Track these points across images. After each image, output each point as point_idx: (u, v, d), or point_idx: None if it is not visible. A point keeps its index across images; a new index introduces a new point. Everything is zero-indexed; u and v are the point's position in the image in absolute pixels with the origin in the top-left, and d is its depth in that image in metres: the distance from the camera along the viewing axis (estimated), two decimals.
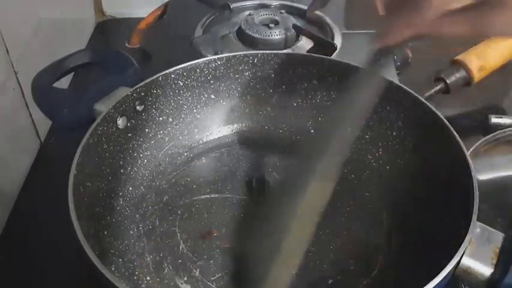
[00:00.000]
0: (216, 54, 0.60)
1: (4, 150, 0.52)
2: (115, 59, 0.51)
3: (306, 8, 0.71)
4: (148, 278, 0.41)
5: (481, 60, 0.59)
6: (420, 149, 0.46)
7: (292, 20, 0.66)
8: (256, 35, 0.63)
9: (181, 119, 0.52)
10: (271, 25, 0.64)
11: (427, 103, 0.45)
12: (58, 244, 0.46)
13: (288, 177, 0.50)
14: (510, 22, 0.28)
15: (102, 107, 0.45)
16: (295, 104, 0.54)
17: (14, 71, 0.53)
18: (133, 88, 0.46)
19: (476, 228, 0.35)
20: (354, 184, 0.49)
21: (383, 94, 0.48)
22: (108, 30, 0.81)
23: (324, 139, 0.40)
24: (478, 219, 0.35)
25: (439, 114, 0.44)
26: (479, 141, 0.54)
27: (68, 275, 0.45)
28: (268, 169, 0.51)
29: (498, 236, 0.36)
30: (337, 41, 0.65)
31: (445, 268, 0.32)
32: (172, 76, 0.49)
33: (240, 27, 0.65)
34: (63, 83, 0.55)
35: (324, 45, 0.62)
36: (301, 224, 0.46)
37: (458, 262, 0.34)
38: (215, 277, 0.42)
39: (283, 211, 0.47)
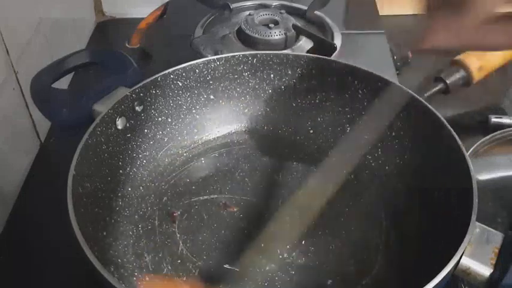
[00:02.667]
0: (216, 54, 0.60)
1: (4, 150, 0.52)
2: (114, 59, 0.51)
3: (306, 8, 0.70)
4: (147, 278, 0.41)
5: (481, 60, 0.59)
6: (419, 149, 0.46)
7: (292, 20, 0.66)
8: (256, 35, 0.63)
9: (181, 120, 0.52)
10: (271, 25, 0.64)
11: (427, 103, 0.45)
12: (58, 244, 0.46)
13: (288, 177, 0.50)
14: None
15: (102, 108, 0.45)
16: (294, 105, 0.54)
17: (14, 71, 0.53)
18: (133, 88, 0.46)
19: (476, 228, 0.35)
20: (354, 184, 0.49)
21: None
22: (108, 30, 0.81)
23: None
24: (478, 219, 0.35)
25: (439, 114, 0.43)
26: (479, 141, 0.54)
27: (67, 275, 0.45)
28: (268, 169, 0.51)
29: (498, 236, 0.36)
30: (337, 41, 0.65)
31: (445, 268, 0.32)
32: (172, 76, 0.49)
33: (240, 27, 0.65)
34: (63, 83, 0.55)
35: (323, 45, 0.62)
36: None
37: (458, 262, 0.33)
38: (215, 277, 0.42)
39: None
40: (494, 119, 0.60)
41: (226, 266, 0.42)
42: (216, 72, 0.51)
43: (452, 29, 0.28)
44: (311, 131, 0.54)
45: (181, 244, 0.44)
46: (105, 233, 0.42)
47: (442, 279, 0.32)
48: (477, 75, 0.60)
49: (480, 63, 0.59)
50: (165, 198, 0.48)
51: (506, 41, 0.27)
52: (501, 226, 0.46)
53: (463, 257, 0.34)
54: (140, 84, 0.47)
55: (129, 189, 0.47)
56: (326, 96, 0.52)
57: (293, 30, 0.64)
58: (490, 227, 0.36)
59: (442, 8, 0.28)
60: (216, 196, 0.48)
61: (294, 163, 0.52)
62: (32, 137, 0.59)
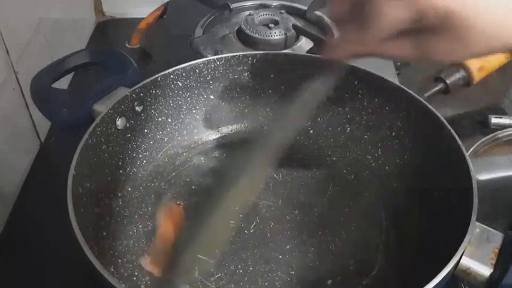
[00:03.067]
0: (216, 54, 0.60)
1: (4, 150, 0.52)
2: (114, 59, 0.51)
3: (306, 8, 0.70)
4: (147, 278, 0.41)
5: (481, 60, 0.59)
6: (419, 149, 0.46)
7: (292, 20, 0.66)
8: (256, 35, 0.63)
9: (180, 120, 0.52)
10: (271, 25, 0.64)
11: (427, 103, 0.45)
12: (58, 244, 0.46)
13: (288, 177, 0.50)
14: (450, 50, 0.30)
15: (101, 108, 0.45)
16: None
17: (14, 71, 0.53)
18: (133, 88, 0.46)
19: (476, 228, 0.35)
20: (353, 184, 0.49)
21: (383, 94, 0.49)
22: (108, 30, 0.81)
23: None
24: (478, 219, 0.35)
25: (439, 114, 0.43)
26: (479, 141, 0.54)
27: (67, 275, 0.45)
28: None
29: (498, 236, 0.36)
30: None
31: (445, 268, 0.32)
32: (172, 76, 0.49)
33: (240, 27, 0.65)
34: (63, 83, 0.55)
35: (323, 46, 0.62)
36: (301, 224, 0.46)
37: (458, 262, 0.33)
38: (214, 277, 0.42)
39: (283, 211, 0.47)
40: (494, 119, 0.60)
41: (226, 265, 0.42)
42: (216, 72, 0.51)
43: (359, 42, 0.33)
44: (311, 131, 0.54)
45: (181, 244, 0.44)
46: (105, 233, 0.42)
47: (442, 279, 0.32)
48: (477, 75, 0.59)
49: (480, 63, 0.59)
50: (165, 198, 0.48)
51: (408, 53, 0.32)
52: (501, 226, 0.45)
53: (463, 257, 0.34)
54: (140, 84, 0.47)
55: (129, 189, 0.47)
56: (326, 96, 0.52)
57: (293, 30, 0.64)
58: (490, 227, 0.36)
59: (351, 23, 0.32)
60: (216, 196, 0.48)
61: (294, 163, 0.52)
62: (32, 137, 0.59)
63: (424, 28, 0.30)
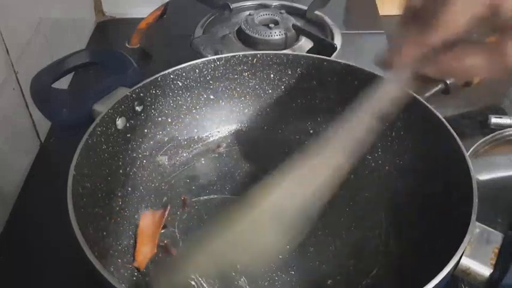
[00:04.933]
0: (216, 54, 0.60)
1: (4, 150, 0.52)
2: (114, 59, 0.51)
3: (306, 8, 0.71)
4: (147, 278, 0.41)
5: None
6: (419, 150, 0.46)
7: (292, 20, 0.66)
8: (256, 35, 0.63)
9: (180, 120, 0.52)
10: (271, 25, 0.64)
11: (427, 103, 0.45)
12: (58, 244, 0.46)
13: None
14: None
15: (101, 108, 0.45)
16: (294, 105, 0.53)
17: (14, 71, 0.53)
18: (133, 88, 0.46)
19: (476, 228, 0.35)
20: (354, 184, 0.49)
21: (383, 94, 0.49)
22: (108, 30, 0.81)
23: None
24: (478, 220, 0.35)
25: (439, 114, 0.43)
26: (479, 141, 0.54)
27: (67, 275, 0.45)
28: (268, 169, 0.51)
29: (497, 237, 0.36)
30: (337, 41, 0.65)
31: (445, 268, 0.32)
32: (172, 76, 0.49)
33: (240, 27, 0.65)
34: (63, 83, 0.55)
35: (324, 45, 0.62)
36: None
37: (458, 262, 0.33)
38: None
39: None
40: (494, 119, 0.60)
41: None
42: (216, 72, 0.51)
43: (420, 43, 0.28)
44: (311, 131, 0.54)
45: (181, 244, 0.44)
46: (105, 233, 0.42)
47: (442, 279, 0.32)
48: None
49: None
50: (165, 198, 0.48)
51: (475, 64, 0.27)
52: (501, 226, 0.46)
53: (463, 257, 0.34)
54: (140, 84, 0.47)
55: (129, 189, 0.47)
56: (326, 96, 0.52)
57: (293, 30, 0.64)
58: (490, 227, 0.36)
59: (412, 26, 0.28)
60: (216, 196, 0.48)
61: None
62: (32, 137, 0.59)
63: (501, 27, 0.25)
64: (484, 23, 0.26)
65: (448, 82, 0.60)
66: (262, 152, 0.53)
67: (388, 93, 0.33)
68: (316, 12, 0.70)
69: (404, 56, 0.29)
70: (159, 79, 0.48)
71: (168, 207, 0.46)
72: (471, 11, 0.25)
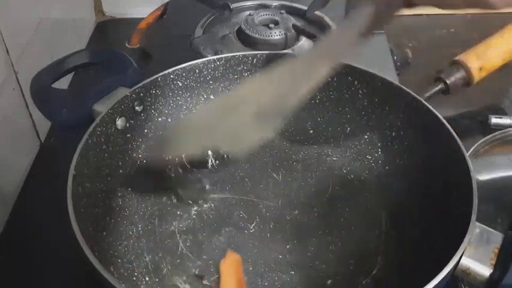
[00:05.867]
0: (216, 54, 0.60)
1: (4, 150, 0.52)
2: (114, 59, 0.51)
3: (306, 8, 0.70)
4: (147, 278, 0.41)
5: (481, 60, 0.59)
6: (419, 150, 0.46)
7: (292, 20, 0.66)
8: (256, 35, 0.63)
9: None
10: (271, 25, 0.64)
11: (427, 103, 0.45)
12: (58, 244, 0.46)
13: (288, 177, 0.50)
14: None
15: (101, 108, 0.45)
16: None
17: (14, 71, 0.53)
18: (133, 88, 0.46)
19: (476, 228, 0.35)
20: (353, 184, 0.49)
21: (383, 94, 0.49)
22: (108, 30, 0.81)
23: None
24: (478, 220, 0.35)
25: (439, 114, 0.43)
26: (479, 142, 0.54)
27: (67, 275, 0.45)
28: (268, 169, 0.51)
29: (497, 237, 0.36)
30: None
31: (445, 268, 0.32)
32: (171, 77, 0.49)
33: (240, 27, 0.65)
34: (63, 83, 0.55)
35: None
36: (301, 224, 0.46)
37: (458, 262, 0.33)
38: (214, 277, 0.42)
39: (283, 211, 0.47)
40: (494, 119, 0.60)
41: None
42: (216, 72, 0.51)
43: None
44: (311, 131, 0.54)
45: (181, 244, 0.44)
46: (105, 233, 0.42)
47: (442, 279, 0.32)
48: (477, 75, 0.59)
49: (480, 63, 0.59)
50: (164, 198, 0.48)
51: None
52: (501, 226, 0.46)
53: (463, 257, 0.34)
54: (140, 84, 0.47)
55: (129, 189, 0.47)
56: (326, 96, 0.52)
57: (293, 30, 0.64)
58: (490, 227, 0.36)
59: None
60: (216, 196, 0.48)
61: (294, 163, 0.52)
62: (32, 137, 0.59)
63: None
64: None
65: (448, 82, 0.60)
66: (262, 152, 0.53)
67: (372, 18, 0.35)
68: (316, 12, 0.70)
69: None
70: (159, 79, 0.48)
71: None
72: None
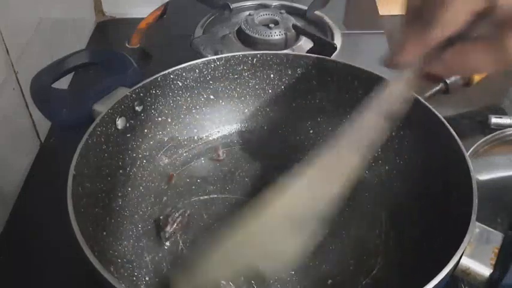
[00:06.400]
0: (216, 54, 0.60)
1: (4, 150, 0.52)
2: (114, 60, 0.51)
3: (306, 8, 0.71)
4: (147, 278, 0.41)
5: None
6: (419, 149, 0.46)
7: (292, 20, 0.66)
8: (256, 35, 0.63)
9: (180, 120, 0.52)
10: (271, 25, 0.64)
11: (427, 103, 0.45)
12: (58, 244, 0.46)
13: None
14: None
15: (101, 108, 0.45)
16: (294, 105, 0.53)
17: (14, 71, 0.53)
18: (133, 88, 0.46)
19: (476, 228, 0.35)
20: (354, 184, 0.49)
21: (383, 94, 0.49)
22: (108, 30, 0.81)
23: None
24: (478, 220, 0.35)
25: (439, 114, 0.43)
26: (479, 141, 0.54)
27: (67, 275, 0.45)
28: (268, 169, 0.51)
29: (497, 236, 0.36)
30: (337, 41, 0.65)
31: (445, 268, 0.32)
32: (171, 76, 0.49)
33: (240, 27, 0.65)
34: (63, 83, 0.55)
35: (324, 45, 0.62)
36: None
37: (458, 262, 0.33)
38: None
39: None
40: (494, 119, 0.60)
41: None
42: (216, 72, 0.51)
43: (420, 43, 0.29)
44: (311, 131, 0.54)
45: (181, 244, 0.44)
46: (105, 233, 0.42)
47: (442, 279, 0.32)
48: (477, 75, 0.59)
49: None
50: (165, 198, 0.48)
51: (478, 59, 0.27)
52: (501, 226, 0.46)
53: (463, 257, 0.34)
54: (140, 84, 0.47)
55: (129, 189, 0.47)
56: (326, 96, 0.52)
57: (293, 30, 0.64)
58: (490, 227, 0.36)
59: (414, 25, 0.29)
60: (216, 196, 0.48)
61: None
62: (32, 137, 0.59)
63: (500, 22, 0.25)
64: (484, 19, 0.26)
65: (448, 82, 0.60)
66: (262, 152, 0.53)
67: (394, 93, 0.34)
68: (316, 12, 0.70)
69: (407, 54, 0.30)
70: (159, 79, 0.48)
71: None
72: (470, 7, 0.26)
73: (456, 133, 0.41)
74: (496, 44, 0.26)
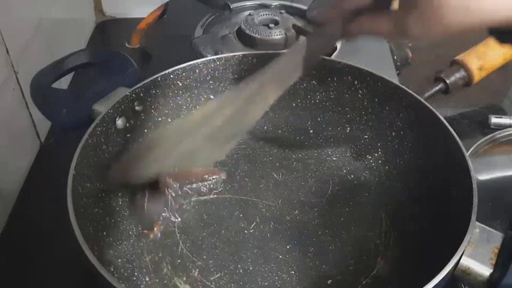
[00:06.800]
0: (216, 54, 0.60)
1: (4, 150, 0.52)
2: (114, 59, 0.51)
3: (306, 8, 0.70)
4: (147, 278, 0.41)
5: (481, 60, 0.59)
6: (419, 149, 0.46)
7: (292, 20, 0.66)
8: (256, 35, 0.63)
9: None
10: (271, 25, 0.64)
11: (427, 103, 0.45)
12: (58, 244, 0.46)
13: (288, 177, 0.50)
14: (424, 26, 0.30)
15: (101, 108, 0.45)
16: (294, 105, 0.54)
17: (14, 71, 0.53)
18: (133, 88, 0.46)
19: (476, 228, 0.35)
20: (353, 184, 0.49)
21: (383, 94, 0.49)
22: (108, 30, 0.81)
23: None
24: (478, 220, 0.35)
25: (439, 114, 0.44)
26: (479, 141, 0.54)
27: (67, 275, 0.45)
28: (268, 169, 0.51)
29: (497, 236, 0.36)
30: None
31: (445, 268, 0.32)
32: (171, 76, 0.49)
33: (240, 27, 0.65)
34: (63, 83, 0.55)
35: None
36: (301, 224, 0.46)
37: (458, 262, 0.34)
38: (214, 277, 0.42)
39: (283, 211, 0.47)
40: (494, 119, 0.60)
41: (226, 265, 0.42)
42: (216, 72, 0.51)
43: (339, 7, 0.35)
44: (311, 131, 0.54)
45: (181, 244, 0.44)
46: (105, 233, 0.42)
47: (442, 279, 0.32)
48: (477, 75, 0.60)
49: (480, 63, 0.59)
50: (164, 198, 0.48)
51: (380, 29, 0.33)
52: (501, 226, 0.46)
53: (463, 257, 0.34)
54: (140, 84, 0.47)
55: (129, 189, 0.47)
56: (326, 96, 0.52)
57: (293, 30, 0.64)
58: (490, 227, 0.36)
59: None
60: (215, 196, 0.48)
61: (294, 163, 0.52)
62: (32, 137, 0.59)
63: (400, 3, 0.31)
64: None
65: (448, 82, 0.60)
66: (262, 152, 0.53)
67: (316, 44, 0.40)
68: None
69: (330, 13, 0.36)
70: (159, 79, 0.48)
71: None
72: None
73: (456, 133, 0.41)
74: (397, 19, 0.31)
